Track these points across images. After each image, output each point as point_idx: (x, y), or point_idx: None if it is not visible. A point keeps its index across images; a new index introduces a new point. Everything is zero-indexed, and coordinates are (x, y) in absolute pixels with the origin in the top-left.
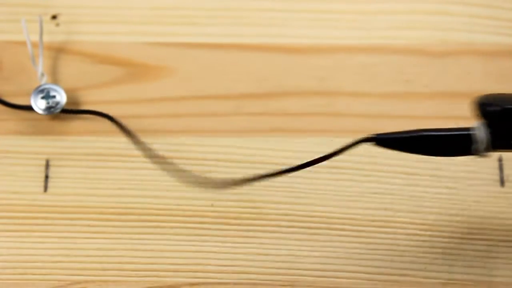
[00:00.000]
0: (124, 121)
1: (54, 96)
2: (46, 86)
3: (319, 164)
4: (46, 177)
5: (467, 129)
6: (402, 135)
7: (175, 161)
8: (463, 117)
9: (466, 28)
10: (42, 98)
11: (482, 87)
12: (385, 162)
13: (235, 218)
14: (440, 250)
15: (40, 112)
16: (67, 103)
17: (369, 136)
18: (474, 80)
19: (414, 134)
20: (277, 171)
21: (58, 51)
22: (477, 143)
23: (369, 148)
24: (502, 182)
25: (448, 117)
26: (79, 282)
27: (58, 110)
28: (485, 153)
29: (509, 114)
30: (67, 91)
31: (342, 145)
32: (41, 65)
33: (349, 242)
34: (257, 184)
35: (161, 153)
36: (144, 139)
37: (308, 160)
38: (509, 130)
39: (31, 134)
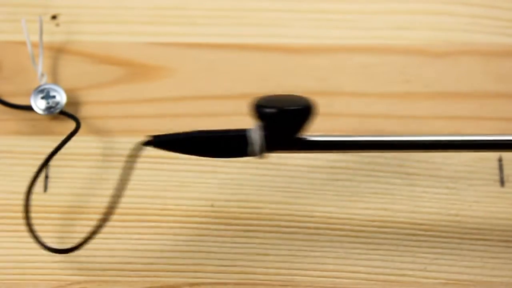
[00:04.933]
0: (124, 121)
1: (54, 96)
2: (46, 86)
3: (318, 164)
4: (46, 177)
5: (243, 130)
6: (178, 137)
7: (174, 161)
8: (463, 117)
9: (466, 29)
10: (42, 98)
11: (482, 87)
12: (385, 162)
13: (235, 218)
14: (440, 250)
15: (40, 112)
16: (67, 103)
17: (147, 139)
18: (474, 80)
19: (190, 135)
20: None
21: (58, 51)
22: (252, 144)
23: None
24: (502, 182)
25: (448, 117)
26: (79, 282)
27: (58, 110)
28: (261, 154)
29: (284, 115)
30: (67, 91)
31: (128, 154)
32: (41, 65)
33: (349, 242)
34: (257, 184)
35: (161, 153)
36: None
37: (308, 158)
38: (284, 131)
39: (31, 134)
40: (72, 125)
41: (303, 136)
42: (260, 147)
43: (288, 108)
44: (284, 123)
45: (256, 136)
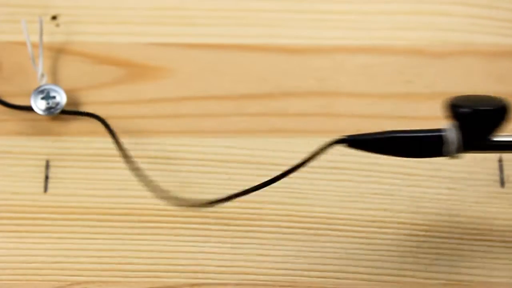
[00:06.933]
0: (124, 122)
1: (54, 97)
2: (46, 87)
3: (319, 164)
4: (46, 177)
5: (439, 130)
6: (373, 137)
7: (175, 161)
8: None
9: (466, 29)
10: (42, 98)
11: (482, 88)
12: (385, 162)
13: (235, 219)
14: (440, 251)
15: (40, 112)
16: (67, 103)
17: (341, 137)
18: (474, 81)
19: (386, 136)
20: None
21: (58, 52)
22: (448, 144)
23: None
24: (502, 183)
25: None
26: (78, 283)
27: (58, 111)
28: (456, 154)
29: (479, 115)
30: (67, 92)
31: (315, 149)
32: (41, 66)
33: (349, 242)
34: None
35: (161, 153)
36: (144, 139)
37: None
38: (480, 131)
39: (31, 135)
40: (72, 125)
41: (497, 137)
42: (457, 147)
43: (484, 109)
44: (480, 124)
45: (453, 136)
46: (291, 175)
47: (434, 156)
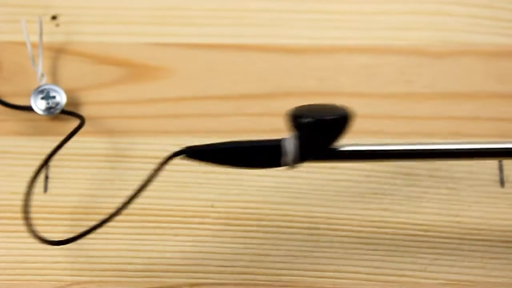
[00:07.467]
0: (124, 122)
1: (54, 97)
2: (46, 87)
3: (318, 164)
4: (46, 177)
5: (277, 141)
6: (211, 148)
7: (174, 161)
8: (463, 117)
9: (466, 29)
10: (42, 98)
11: (482, 88)
12: (385, 162)
13: (235, 219)
14: (439, 251)
15: (40, 112)
16: (67, 103)
17: (180, 149)
18: (474, 81)
19: (223, 146)
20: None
21: (58, 52)
22: (286, 155)
23: None
24: (502, 183)
25: (448, 117)
26: (78, 283)
27: (58, 111)
28: (294, 165)
29: (319, 125)
30: (67, 92)
31: (156, 164)
32: (41, 66)
33: (349, 242)
34: (257, 184)
35: (161, 153)
36: (144, 139)
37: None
38: (320, 141)
39: (31, 135)
40: (72, 125)
41: (337, 146)
42: (294, 157)
43: (324, 118)
44: (319, 133)
45: (290, 146)
46: (291, 175)
47: (273, 166)
